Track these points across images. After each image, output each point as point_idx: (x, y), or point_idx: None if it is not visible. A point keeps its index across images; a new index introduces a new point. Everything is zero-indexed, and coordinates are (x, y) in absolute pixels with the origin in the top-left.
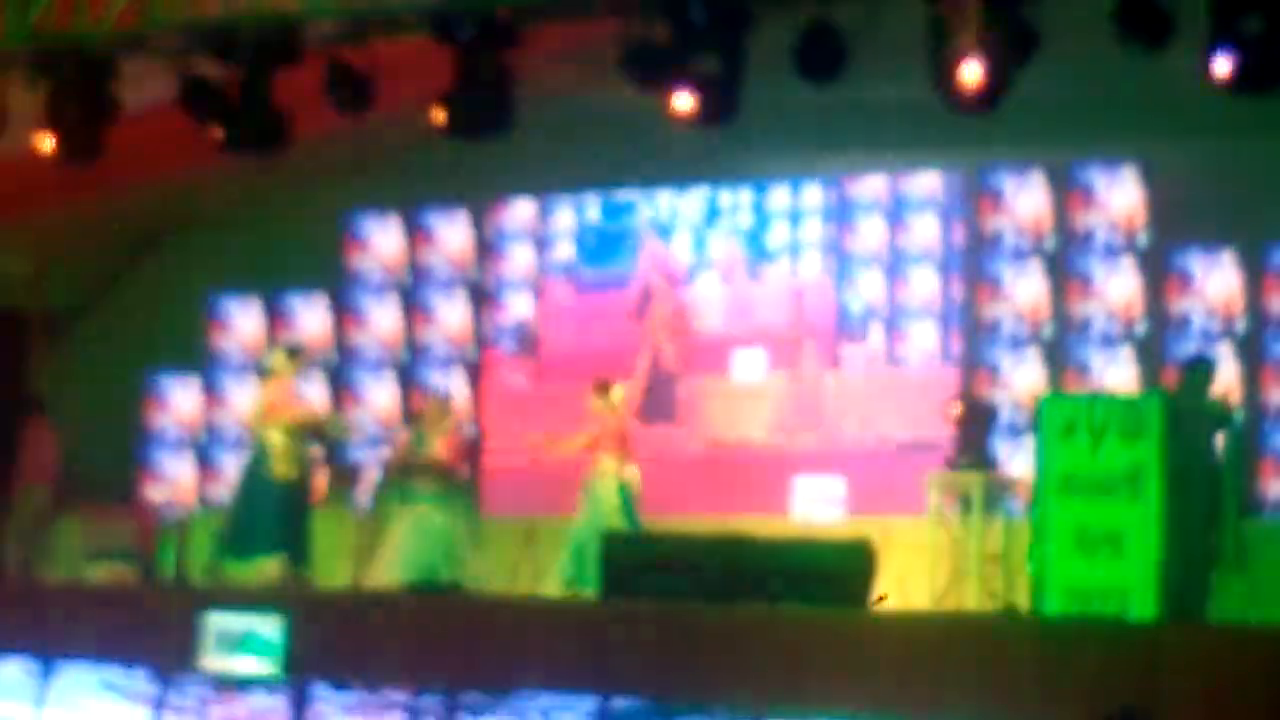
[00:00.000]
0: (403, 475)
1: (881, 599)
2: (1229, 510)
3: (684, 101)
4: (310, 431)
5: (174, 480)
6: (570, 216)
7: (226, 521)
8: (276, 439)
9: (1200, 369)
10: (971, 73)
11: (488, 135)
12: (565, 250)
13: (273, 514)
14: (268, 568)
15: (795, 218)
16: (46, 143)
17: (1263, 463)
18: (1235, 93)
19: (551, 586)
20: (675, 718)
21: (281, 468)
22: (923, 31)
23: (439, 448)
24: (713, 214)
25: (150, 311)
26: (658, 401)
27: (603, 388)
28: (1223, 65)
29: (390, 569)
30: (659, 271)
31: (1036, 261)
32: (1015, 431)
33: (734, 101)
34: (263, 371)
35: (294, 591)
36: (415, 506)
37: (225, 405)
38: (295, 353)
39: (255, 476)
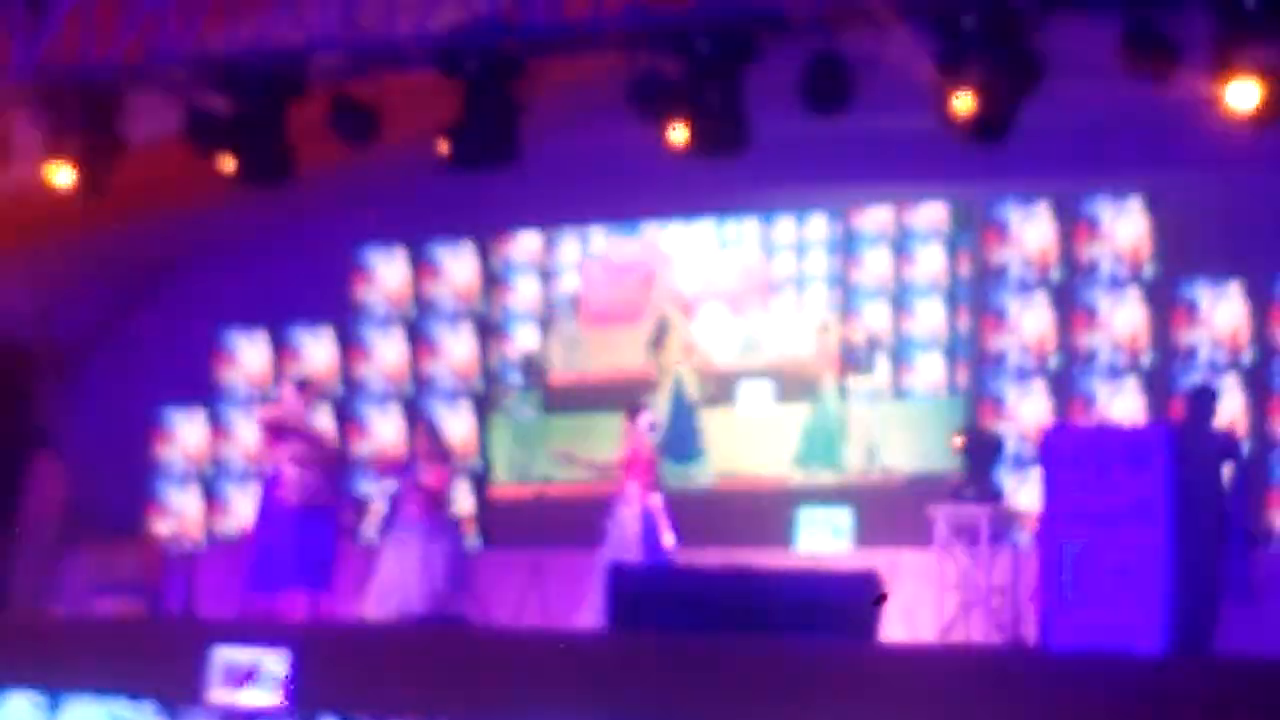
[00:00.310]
0: (393, 505)
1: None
2: (1236, 541)
3: (679, 134)
4: (317, 458)
5: (181, 513)
6: (576, 248)
7: (249, 554)
8: (288, 469)
9: (1204, 398)
10: (966, 103)
11: (493, 167)
12: (571, 282)
13: (292, 544)
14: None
15: (801, 250)
16: (53, 175)
17: (1270, 494)
18: (1253, 125)
19: (586, 618)
20: None
21: (294, 497)
22: (928, 63)
23: (428, 477)
24: (718, 246)
25: (156, 345)
26: (681, 434)
27: (633, 411)
28: (1242, 96)
29: (377, 600)
30: (674, 302)
31: (1042, 293)
32: (1021, 463)
33: (740, 134)
34: (270, 403)
35: (302, 625)
36: (401, 535)
37: (232, 438)
38: (305, 385)
39: (269, 507)
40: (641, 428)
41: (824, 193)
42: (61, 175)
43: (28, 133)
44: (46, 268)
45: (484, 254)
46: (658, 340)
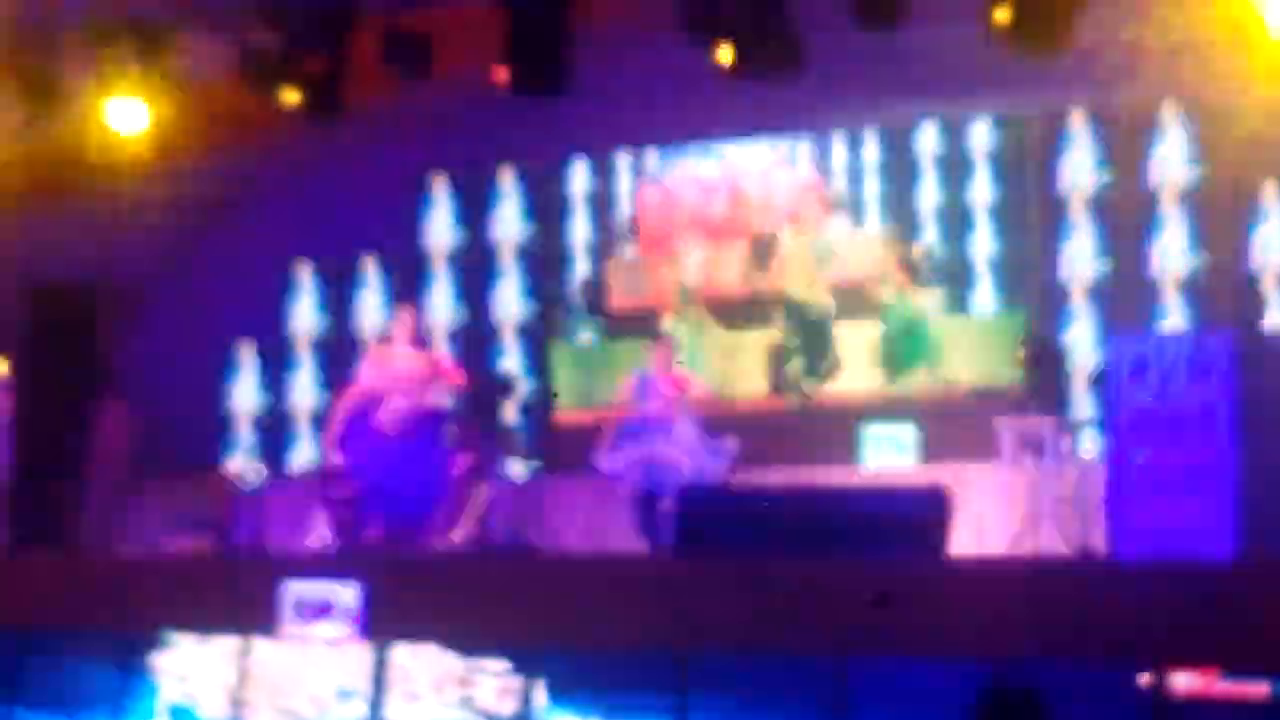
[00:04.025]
0: None
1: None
2: None
3: (726, 54)
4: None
5: (250, 449)
6: (631, 175)
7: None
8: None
9: (1242, 303)
10: (1004, 14)
11: (549, 94)
12: (627, 207)
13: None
14: None
15: (857, 166)
16: (109, 115)
17: None
18: None
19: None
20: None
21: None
22: None
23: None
24: (775, 166)
25: (222, 282)
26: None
27: (657, 336)
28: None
29: None
30: (776, 218)
31: (1100, 207)
32: (1085, 374)
33: (791, 52)
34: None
35: (372, 556)
36: None
37: (300, 373)
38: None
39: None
40: (666, 349)
41: (880, 110)
42: (119, 115)
43: (81, 74)
44: (110, 207)
45: (542, 182)
46: (762, 254)
